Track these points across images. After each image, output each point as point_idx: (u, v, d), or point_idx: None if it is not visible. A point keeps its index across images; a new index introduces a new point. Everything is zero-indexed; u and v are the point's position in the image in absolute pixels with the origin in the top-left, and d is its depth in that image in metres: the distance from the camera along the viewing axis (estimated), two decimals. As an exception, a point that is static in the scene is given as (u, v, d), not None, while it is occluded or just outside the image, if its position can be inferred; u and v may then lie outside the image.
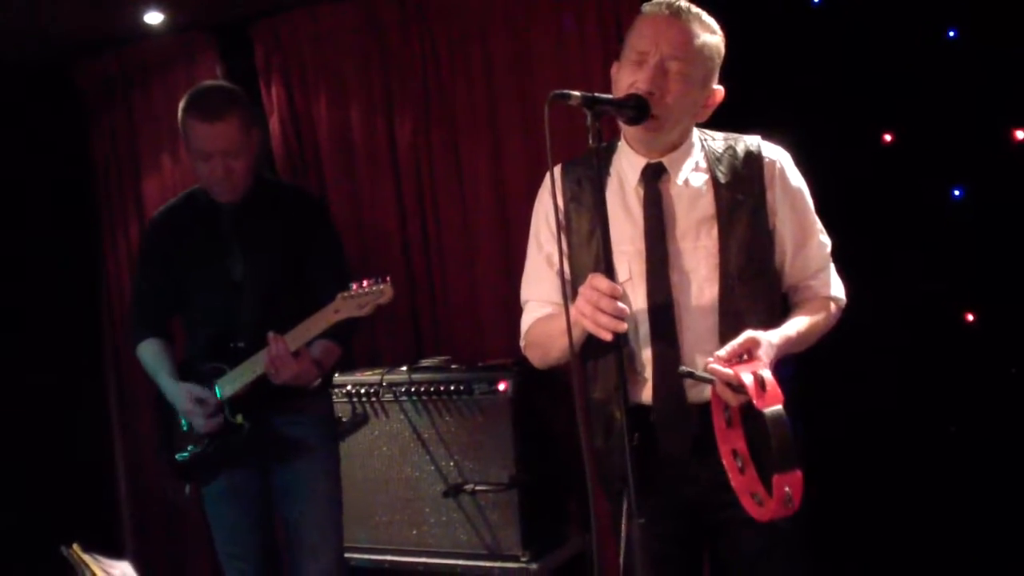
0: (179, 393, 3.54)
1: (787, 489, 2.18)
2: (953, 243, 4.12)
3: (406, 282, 5.05)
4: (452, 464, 4.39)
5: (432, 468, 4.42)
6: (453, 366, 4.57)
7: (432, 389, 4.43)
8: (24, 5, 4.58)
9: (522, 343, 2.79)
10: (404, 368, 4.58)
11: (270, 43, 5.30)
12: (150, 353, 3.73)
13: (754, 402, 2.20)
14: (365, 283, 3.32)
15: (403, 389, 4.48)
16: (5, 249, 5.25)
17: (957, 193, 4.17)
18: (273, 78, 5.28)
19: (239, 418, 3.53)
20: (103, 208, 5.82)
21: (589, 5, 4.67)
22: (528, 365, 4.34)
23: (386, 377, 4.55)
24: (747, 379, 2.21)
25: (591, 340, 2.38)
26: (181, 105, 3.58)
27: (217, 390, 3.52)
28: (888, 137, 4.24)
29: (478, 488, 4.32)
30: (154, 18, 5.09)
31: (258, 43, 5.31)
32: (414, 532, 4.48)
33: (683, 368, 2.41)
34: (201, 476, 3.68)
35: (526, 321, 2.75)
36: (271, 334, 3.35)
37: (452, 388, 4.39)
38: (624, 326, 2.27)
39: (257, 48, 5.32)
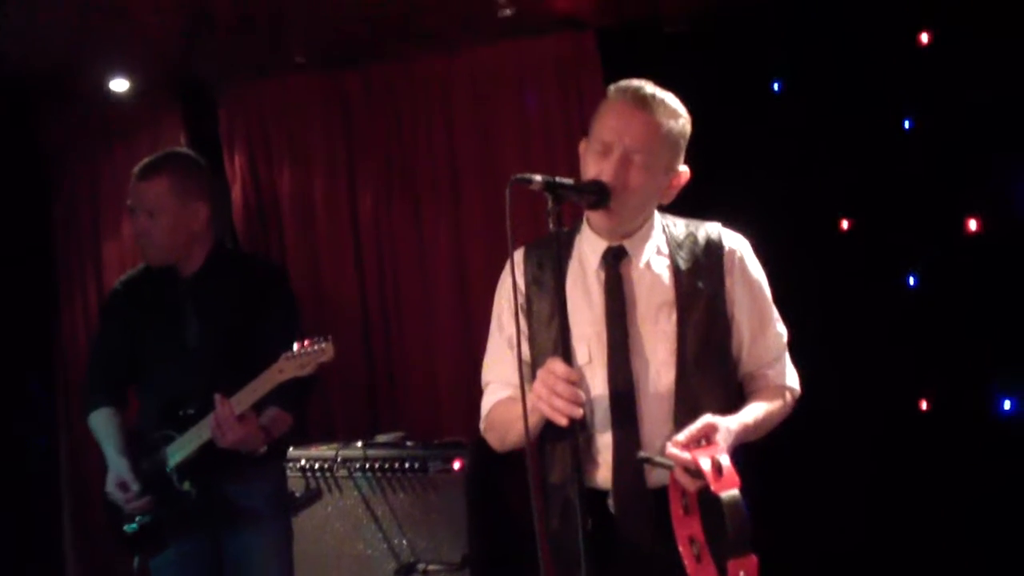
0: (110, 472, 3.53)
1: (742, 574, 2.17)
2: (908, 330, 4.16)
3: (363, 355, 5.04)
4: (405, 542, 4.34)
5: (385, 546, 4.36)
6: (408, 443, 4.53)
7: (387, 465, 4.39)
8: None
9: (482, 426, 2.77)
10: (359, 443, 4.53)
11: (235, 111, 5.31)
12: (100, 423, 3.69)
13: (711, 486, 2.19)
14: (307, 342, 3.30)
15: (357, 465, 4.44)
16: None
17: (912, 280, 4.22)
18: (236, 145, 5.29)
19: (186, 485, 3.48)
20: (61, 269, 5.76)
21: (552, 81, 4.75)
22: (484, 444, 4.36)
23: (341, 452, 4.50)
24: (704, 464, 2.21)
25: (549, 423, 2.36)
26: None
27: (169, 458, 3.48)
28: (846, 224, 4.30)
29: (430, 567, 4.27)
30: (120, 85, 5.09)
31: (223, 110, 5.33)
32: (365, 610, 4.42)
33: (641, 453, 2.40)
34: (149, 548, 3.60)
35: (486, 404, 2.74)
36: (218, 396, 3.31)
37: (407, 465, 4.35)
38: (579, 412, 2.26)
39: (222, 115, 5.33)
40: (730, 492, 2.18)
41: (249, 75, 5.16)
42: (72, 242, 5.72)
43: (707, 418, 2.33)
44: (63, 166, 5.72)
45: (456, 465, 4.30)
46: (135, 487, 3.46)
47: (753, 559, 2.18)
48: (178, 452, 3.47)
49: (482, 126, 4.89)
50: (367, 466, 4.43)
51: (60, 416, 5.77)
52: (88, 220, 5.66)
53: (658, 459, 2.34)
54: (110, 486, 3.49)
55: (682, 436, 2.30)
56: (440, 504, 4.31)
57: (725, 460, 2.21)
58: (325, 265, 5.16)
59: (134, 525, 3.55)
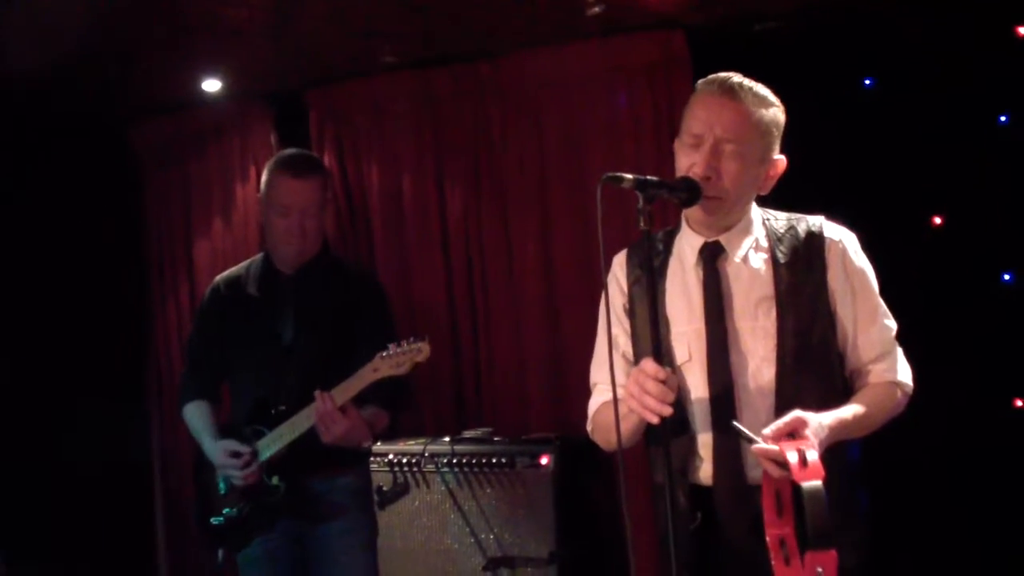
0: (216, 449, 3.59)
1: (820, 569, 2.15)
2: (1003, 327, 4.10)
3: (451, 353, 5.08)
4: (492, 537, 4.37)
5: (472, 541, 4.40)
6: (496, 438, 4.56)
7: (474, 461, 4.43)
8: (89, 67, 4.70)
9: (589, 426, 2.78)
10: (447, 439, 4.58)
11: (324, 112, 5.39)
12: (195, 414, 3.79)
13: (794, 477, 2.18)
14: (403, 342, 3.34)
15: (445, 460, 4.48)
16: (56, 308, 5.31)
17: (1007, 277, 4.14)
18: (326, 146, 5.36)
19: (275, 479, 3.54)
20: (154, 269, 5.89)
21: (641, 81, 4.73)
22: (571, 440, 4.40)
23: (428, 447, 4.55)
24: (791, 455, 2.20)
25: (652, 424, 2.36)
26: (269, 165, 3.72)
27: (260, 452, 3.54)
28: (938, 220, 4.24)
29: (517, 562, 4.30)
30: (212, 85, 5.18)
31: (313, 112, 5.40)
32: (452, 605, 4.45)
33: (735, 424, 2.37)
34: (234, 541, 3.66)
35: (593, 404, 2.75)
36: (318, 392, 3.38)
37: (494, 461, 4.39)
38: (669, 410, 2.26)
39: (312, 117, 5.41)
40: (812, 483, 2.16)
41: (338, 75, 5.22)
42: (164, 243, 5.85)
43: (795, 413, 2.31)
44: (154, 167, 5.86)
45: (543, 461, 4.32)
46: (246, 448, 3.52)
47: (832, 554, 2.16)
48: (269, 447, 3.54)
49: (570, 125, 4.89)
50: (455, 461, 4.47)
51: (154, 415, 5.89)
52: (180, 221, 5.79)
53: (750, 433, 2.33)
54: (221, 459, 3.54)
55: (768, 430, 2.29)
56: (527, 500, 4.34)
57: (812, 454, 2.20)
58: (414, 263, 5.20)
59: (220, 518, 3.63)
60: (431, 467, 4.50)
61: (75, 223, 5.43)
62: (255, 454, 3.53)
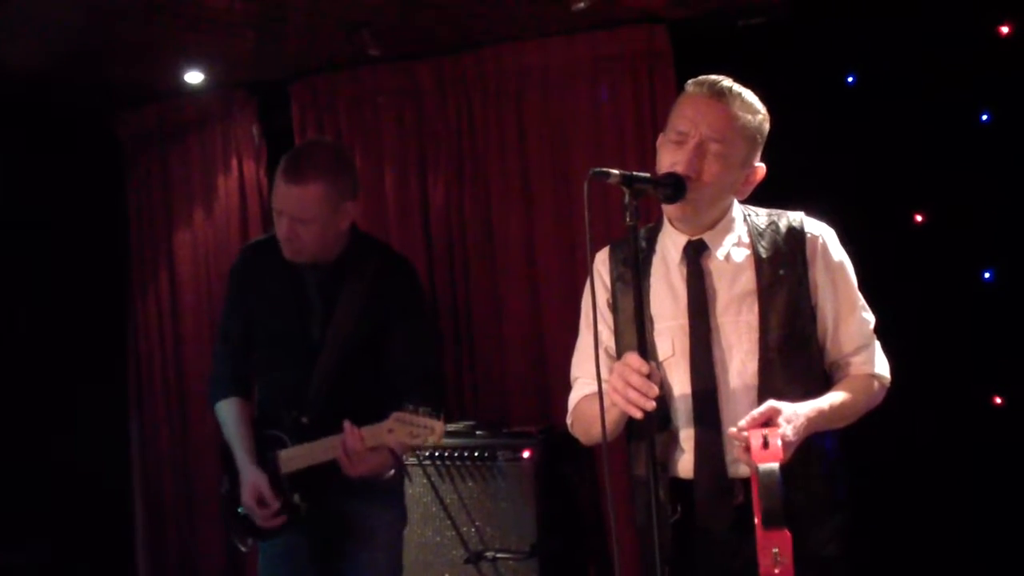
0: (246, 481, 3.31)
1: (775, 550, 2.20)
2: (983, 325, 4.12)
3: (433, 345, 5.08)
4: (474, 530, 4.38)
5: (453, 533, 4.40)
6: (478, 432, 4.57)
7: (456, 454, 4.44)
8: (72, 56, 4.68)
9: (568, 420, 2.79)
10: (429, 431, 4.57)
11: (307, 103, 5.37)
12: (229, 417, 3.47)
13: (752, 458, 2.23)
14: (421, 412, 3.09)
15: (427, 453, 4.48)
16: (36, 294, 5.29)
17: (987, 275, 4.17)
18: (309, 137, 5.34)
19: (296, 498, 3.32)
20: (135, 258, 5.88)
21: (624, 75, 4.75)
22: (552, 434, 4.42)
23: (410, 440, 4.54)
24: (754, 439, 2.26)
25: (633, 418, 2.38)
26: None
27: (281, 465, 3.32)
28: (919, 217, 4.26)
29: (499, 555, 4.31)
30: (194, 77, 5.17)
31: (295, 102, 5.38)
32: (434, 597, 4.46)
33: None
34: (262, 532, 3.41)
35: (573, 398, 2.77)
36: (347, 424, 3.15)
37: (476, 454, 4.41)
38: (652, 404, 2.28)
39: (294, 107, 5.38)
40: (768, 464, 2.22)
41: (322, 67, 5.21)
42: (145, 232, 5.84)
43: (769, 403, 2.36)
44: (138, 155, 5.85)
45: (525, 454, 4.34)
46: (275, 502, 3.27)
47: (787, 534, 2.20)
48: (290, 461, 3.31)
49: (553, 119, 4.90)
50: (436, 454, 4.48)
51: (132, 405, 5.88)
52: (161, 210, 5.79)
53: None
54: (246, 498, 3.30)
55: (744, 421, 2.33)
56: (509, 493, 4.35)
57: (776, 441, 2.25)
58: (395, 255, 5.20)
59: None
60: (413, 460, 4.48)
61: (57, 209, 5.40)
62: (284, 507, 3.28)
